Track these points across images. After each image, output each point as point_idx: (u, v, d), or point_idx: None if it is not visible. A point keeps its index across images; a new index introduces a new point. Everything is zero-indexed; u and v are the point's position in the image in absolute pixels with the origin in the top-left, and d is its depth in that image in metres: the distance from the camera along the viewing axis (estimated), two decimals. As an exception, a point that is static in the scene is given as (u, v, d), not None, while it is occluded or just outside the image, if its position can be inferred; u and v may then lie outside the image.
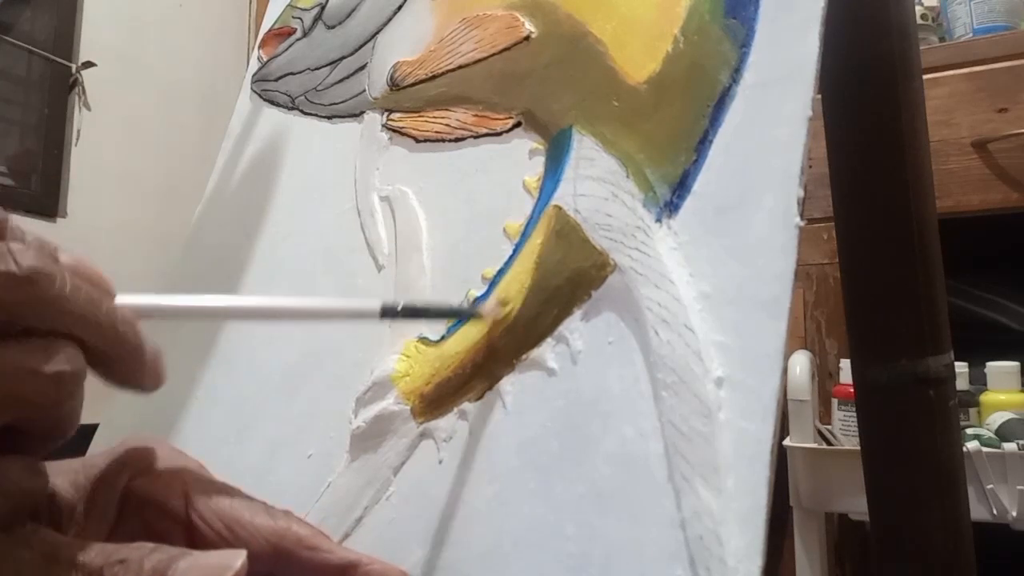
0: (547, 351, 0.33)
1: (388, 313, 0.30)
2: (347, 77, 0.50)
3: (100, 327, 0.20)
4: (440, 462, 0.34)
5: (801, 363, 0.86)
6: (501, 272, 0.36)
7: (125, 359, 0.21)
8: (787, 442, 0.82)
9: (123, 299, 0.21)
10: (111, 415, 0.51)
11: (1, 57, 1.68)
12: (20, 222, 0.19)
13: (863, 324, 0.45)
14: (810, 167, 0.30)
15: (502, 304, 0.35)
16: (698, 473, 0.27)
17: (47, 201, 1.72)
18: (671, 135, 0.33)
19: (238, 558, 0.20)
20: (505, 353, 0.34)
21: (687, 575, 0.26)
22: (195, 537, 0.23)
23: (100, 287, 0.21)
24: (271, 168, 0.52)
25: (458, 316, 0.36)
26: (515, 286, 0.35)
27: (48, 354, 0.19)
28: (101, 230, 1.81)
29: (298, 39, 0.54)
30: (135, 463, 0.24)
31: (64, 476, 0.23)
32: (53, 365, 0.19)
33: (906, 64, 0.42)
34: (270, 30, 0.57)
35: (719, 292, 0.29)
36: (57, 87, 1.77)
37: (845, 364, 0.95)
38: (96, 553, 0.20)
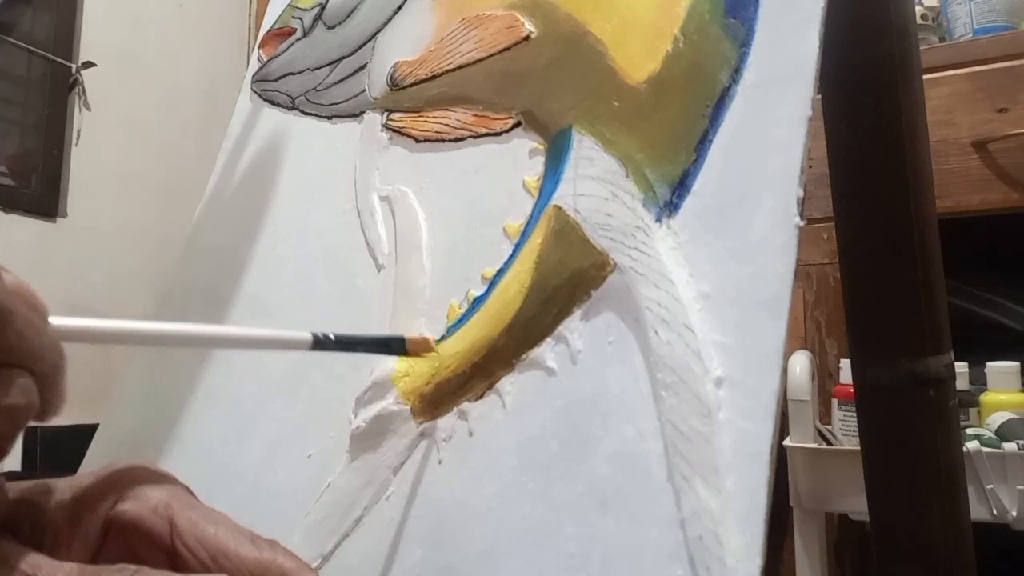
0: (547, 351, 0.33)
1: (320, 345, 0.29)
2: (347, 77, 0.50)
3: (43, 357, 0.20)
4: (440, 462, 0.34)
5: (801, 363, 0.86)
6: (501, 272, 0.36)
7: (47, 390, 0.21)
8: (787, 442, 0.82)
9: (55, 321, 0.21)
10: (111, 415, 0.51)
11: (1, 57, 1.68)
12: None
13: (863, 324, 0.45)
14: (810, 167, 0.30)
15: (429, 345, 0.35)
16: (698, 473, 0.27)
17: (47, 201, 1.72)
18: (671, 135, 0.33)
19: None
20: (505, 353, 0.34)
21: (687, 575, 0.26)
22: (179, 565, 0.23)
23: (38, 311, 0.21)
24: (271, 168, 0.52)
25: (388, 352, 0.36)
26: (515, 286, 0.35)
27: (4, 387, 0.19)
28: (101, 230, 1.81)
29: (298, 39, 0.54)
30: (121, 487, 0.24)
31: (50, 496, 0.23)
32: (9, 399, 0.19)
33: (906, 65, 0.42)
34: (270, 30, 0.57)
35: (719, 292, 0.29)
36: (57, 87, 1.77)
37: (845, 364, 0.95)
38: (78, 574, 0.20)
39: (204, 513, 0.24)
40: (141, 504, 0.24)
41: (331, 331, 0.29)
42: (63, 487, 0.24)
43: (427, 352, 0.35)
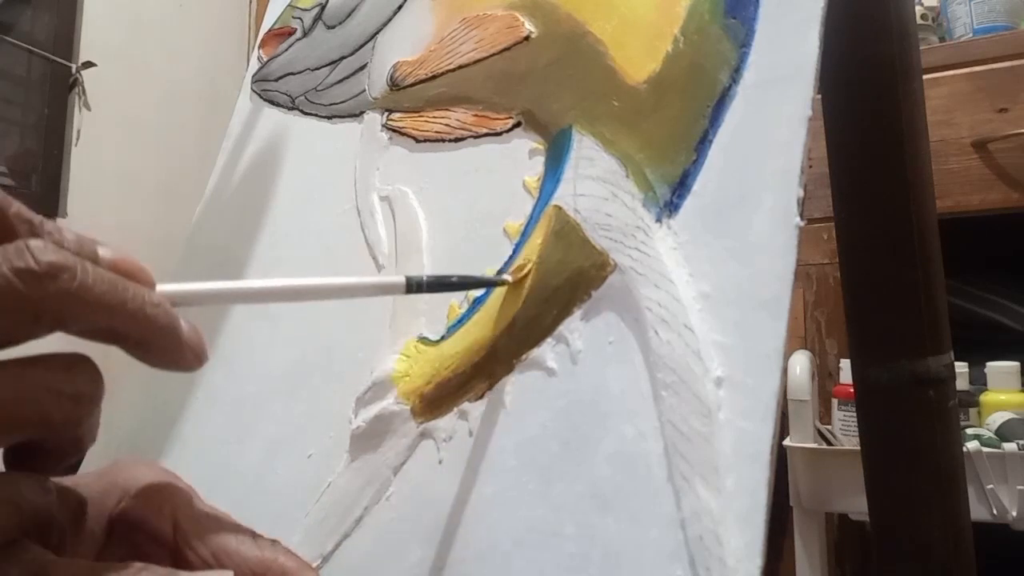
0: (547, 351, 0.33)
1: (414, 288, 0.30)
2: (347, 77, 0.50)
3: (128, 314, 0.21)
4: (440, 462, 0.34)
5: (801, 363, 0.86)
6: (501, 272, 0.36)
7: (160, 342, 0.22)
8: (787, 442, 0.82)
9: (162, 288, 0.23)
10: (111, 415, 0.51)
11: (1, 57, 1.68)
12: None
13: (863, 324, 0.45)
14: (810, 167, 0.30)
15: (520, 268, 0.35)
16: (698, 473, 0.27)
17: (47, 201, 1.72)
18: (671, 135, 0.33)
19: None
20: (505, 353, 0.34)
21: (687, 575, 0.26)
22: (182, 564, 0.23)
23: (138, 277, 0.21)
24: (271, 168, 0.52)
25: (483, 285, 0.36)
26: (515, 286, 0.35)
27: (69, 375, 0.20)
28: (101, 230, 1.80)
29: (298, 39, 0.54)
30: (125, 486, 0.24)
31: (53, 496, 0.23)
32: (74, 386, 0.20)
33: (906, 65, 0.42)
34: (270, 30, 0.57)
35: (719, 292, 0.29)
36: (57, 87, 1.77)
37: (845, 364, 0.95)
38: (85, 572, 0.20)
39: (207, 512, 0.24)
40: (145, 503, 0.24)
41: (425, 276, 0.31)
42: (67, 486, 0.24)
43: (522, 272, 0.35)
